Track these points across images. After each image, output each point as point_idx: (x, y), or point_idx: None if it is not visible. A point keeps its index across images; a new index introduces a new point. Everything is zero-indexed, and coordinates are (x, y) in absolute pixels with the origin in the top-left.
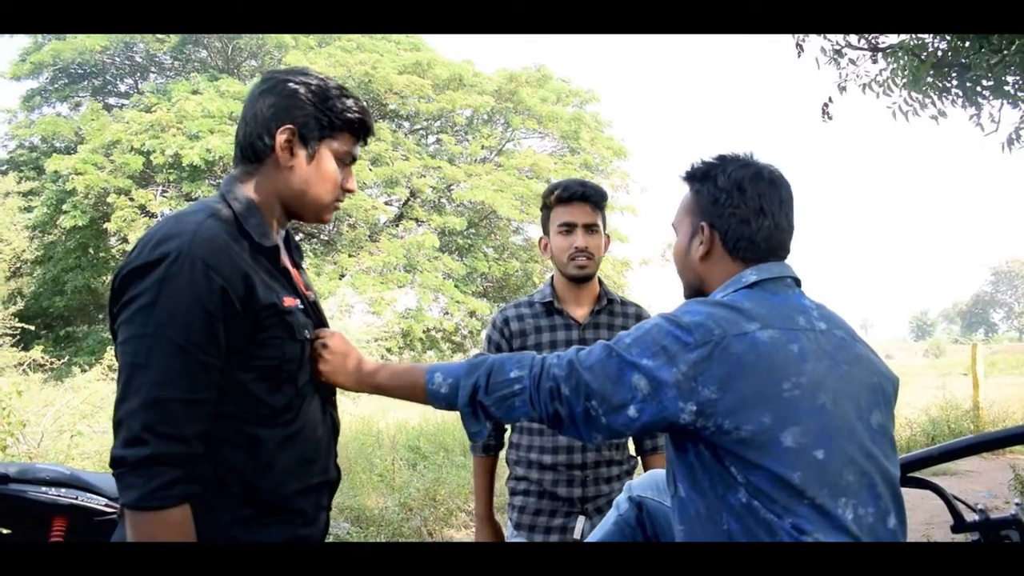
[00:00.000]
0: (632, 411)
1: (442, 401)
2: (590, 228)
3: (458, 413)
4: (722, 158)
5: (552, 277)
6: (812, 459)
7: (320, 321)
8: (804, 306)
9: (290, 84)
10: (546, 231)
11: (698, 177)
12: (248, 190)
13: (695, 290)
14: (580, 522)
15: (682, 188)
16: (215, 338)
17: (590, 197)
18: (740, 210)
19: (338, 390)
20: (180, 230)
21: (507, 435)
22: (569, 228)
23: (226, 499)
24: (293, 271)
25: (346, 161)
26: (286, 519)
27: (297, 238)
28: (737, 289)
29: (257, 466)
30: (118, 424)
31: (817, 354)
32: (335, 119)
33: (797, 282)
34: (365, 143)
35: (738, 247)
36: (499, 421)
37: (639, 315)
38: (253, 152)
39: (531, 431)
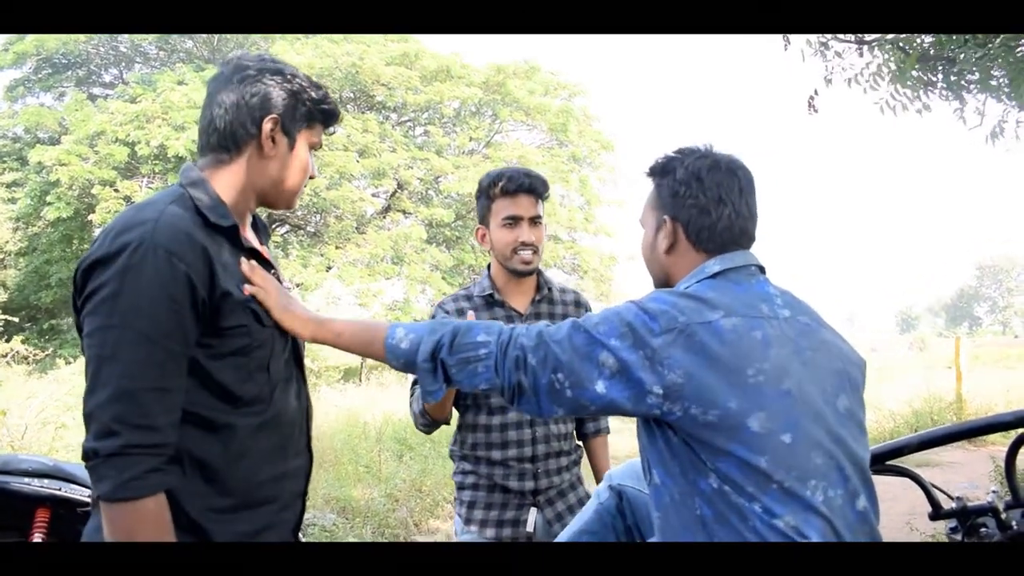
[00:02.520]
0: (600, 387)
1: (400, 357)
2: (535, 221)
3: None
4: (681, 151)
5: (489, 268)
6: (779, 443)
7: None
8: (768, 294)
9: (268, 74)
10: (484, 222)
11: (658, 172)
12: (212, 175)
13: (662, 283)
14: (532, 514)
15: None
16: (182, 326)
17: (536, 189)
18: (699, 200)
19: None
20: (141, 219)
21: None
22: (514, 221)
23: (198, 489)
24: (262, 249)
25: (315, 149)
26: (260, 506)
27: (283, 230)
28: (701, 279)
29: (230, 455)
30: (88, 417)
31: (780, 340)
32: (314, 109)
33: (762, 269)
34: (331, 132)
35: (700, 237)
36: (457, 386)
37: (577, 301)
38: (234, 140)
39: (476, 428)
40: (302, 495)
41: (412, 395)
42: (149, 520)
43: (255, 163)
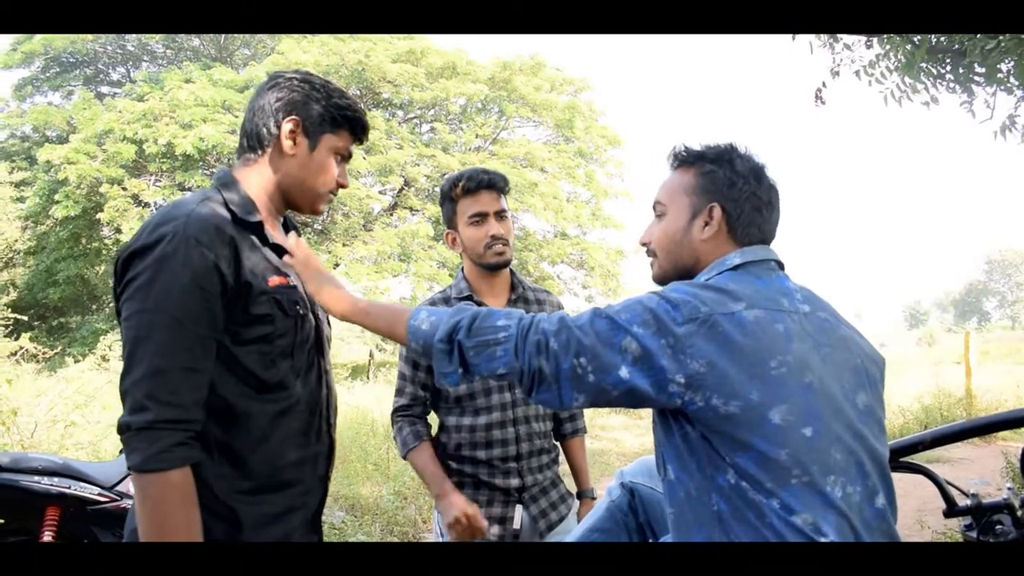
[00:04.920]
0: (624, 372)
1: (420, 339)
2: (500, 215)
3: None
4: (730, 144)
5: (462, 270)
6: (800, 437)
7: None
8: (787, 289)
9: (297, 81)
10: (452, 225)
11: (710, 158)
12: (241, 175)
13: (684, 271)
14: (518, 511)
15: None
16: (211, 312)
17: (496, 184)
18: (758, 198)
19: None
20: (176, 214)
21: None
22: (481, 218)
23: (225, 471)
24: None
25: (344, 156)
26: (283, 489)
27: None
28: (721, 271)
29: (252, 439)
30: (124, 394)
31: (801, 335)
32: (337, 115)
33: (780, 265)
34: (361, 142)
35: (747, 232)
36: (474, 370)
37: (550, 301)
38: (258, 140)
39: (459, 428)
40: (324, 479)
41: (394, 425)
42: (175, 490)
43: (276, 162)
